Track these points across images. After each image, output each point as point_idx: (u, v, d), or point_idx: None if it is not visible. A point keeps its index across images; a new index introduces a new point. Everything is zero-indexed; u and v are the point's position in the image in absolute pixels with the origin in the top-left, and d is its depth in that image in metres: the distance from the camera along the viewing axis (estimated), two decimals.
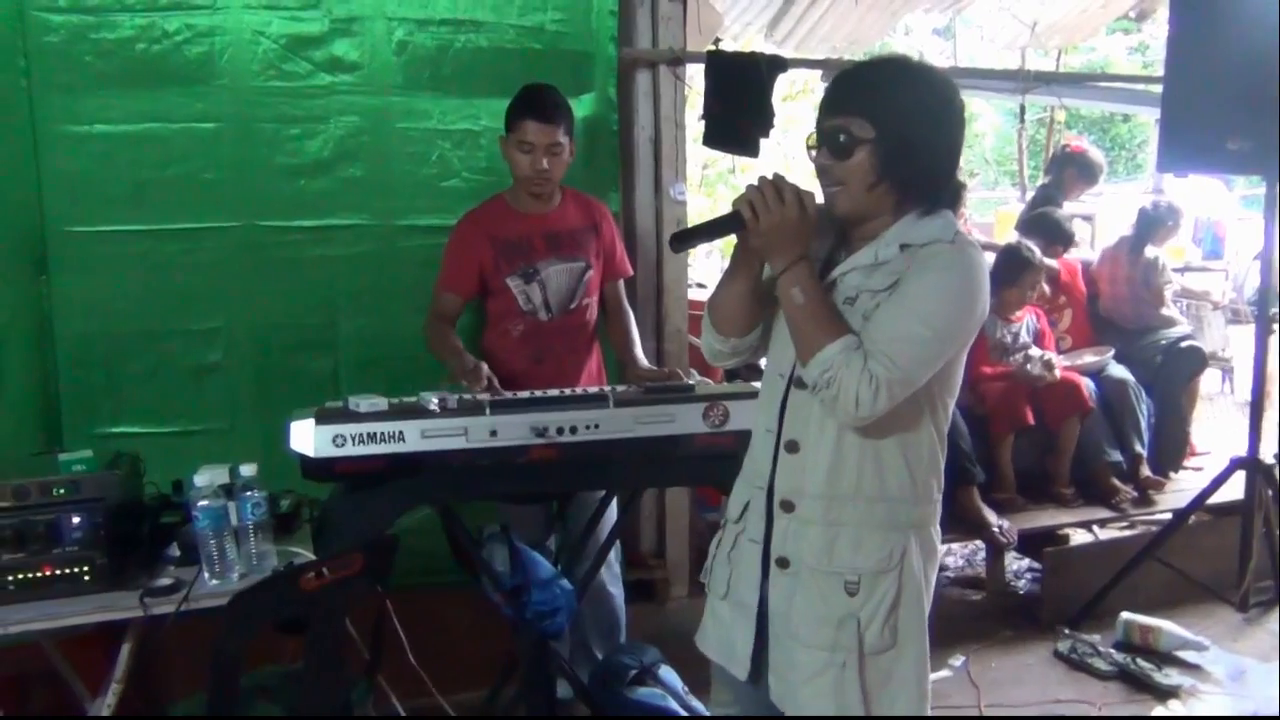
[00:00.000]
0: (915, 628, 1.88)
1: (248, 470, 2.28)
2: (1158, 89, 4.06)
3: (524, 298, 3.05)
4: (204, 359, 3.42)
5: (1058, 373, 4.38)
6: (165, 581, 2.20)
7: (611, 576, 3.24)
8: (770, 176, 1.77)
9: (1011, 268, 4.48)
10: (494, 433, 2.45)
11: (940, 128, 1.82)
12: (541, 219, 3.08)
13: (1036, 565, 4.40)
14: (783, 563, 1.89)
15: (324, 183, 3.46)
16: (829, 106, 1.82)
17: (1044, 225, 4.96)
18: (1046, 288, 4.72)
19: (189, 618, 2.15)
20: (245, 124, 3.37)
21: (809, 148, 1.86)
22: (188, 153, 3.33)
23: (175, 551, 2.34)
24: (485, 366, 2.76)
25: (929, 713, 1.91)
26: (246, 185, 3.39)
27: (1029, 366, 4.35)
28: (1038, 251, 4.52)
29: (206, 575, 2.22)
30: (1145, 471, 4.56)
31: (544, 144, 2.94)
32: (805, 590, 1.86)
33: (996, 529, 4.14)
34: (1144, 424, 4.62)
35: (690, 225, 1.98)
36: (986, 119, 19.50)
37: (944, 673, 3.55)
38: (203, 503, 2.20)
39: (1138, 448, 4.56)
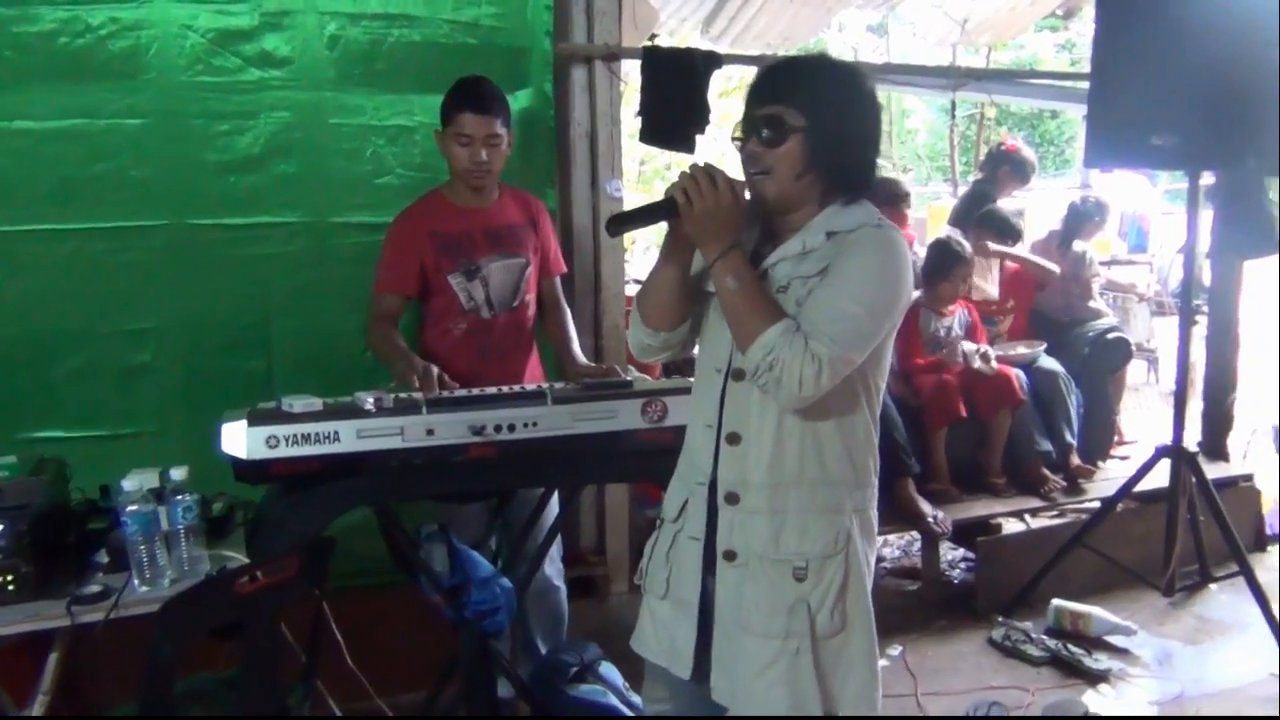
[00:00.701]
0: (862, 611, 1.91)
1: (178, 473, 2.24)
2: (1085, 86, 4.13)
3: (466, 295, 3.02)
4: (133, 360, 3.33)
5: (994, 364, 4.46)
6: (94, 589, 2.15)
7: (556, 572, 3.24)
8: (702, 164, 1.80)
9: (942, 261, 4.55)
10: (431, 432, 2.43)
11: (866, 120, 1.89)
12: (481, 214, 3.05)
13: (970, 555, 4.47)
14: (730, 555, 1.90)
15: (255, 179, 3.39)
16: (759, 96, 1.86)
17: (993, 221, 5.02)
18: (991, 288, 4.79)
19: (119, 625, 2.10)
20: (174, 120, 3.29)
21: (734, 138, 1.89)
22: (114, 149, 3.25)
23: (104, 558, 2.29)
24: (436, 368, 2.74)
25: (879, 693, 1.94)
26: (176, 182, 3.31)
27: (969, 360, 4.42)
28: (968, 245, 4.59)
29: (136, 582, 2.17)
30: (1075, 460, 4.65)
31: (482, 135, 2.91)
32: (754, 580, 1.88)
33: (931, 519, 4.20)
34: (1074, 414, 4.72)
35: (627, 210, 2.00)
36: (919, 115, 19.78)
37: (881, 662, 3.59)
38: (132, 507, 2.15)
39: (1068, 437, 4.66)
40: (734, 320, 1.82)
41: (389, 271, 3.02)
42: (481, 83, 2.97)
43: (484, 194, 3.05)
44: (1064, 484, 4.56)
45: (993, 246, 4.97)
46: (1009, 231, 5.03)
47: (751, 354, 1.78)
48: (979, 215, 5.15)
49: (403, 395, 2.54)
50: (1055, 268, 5.11)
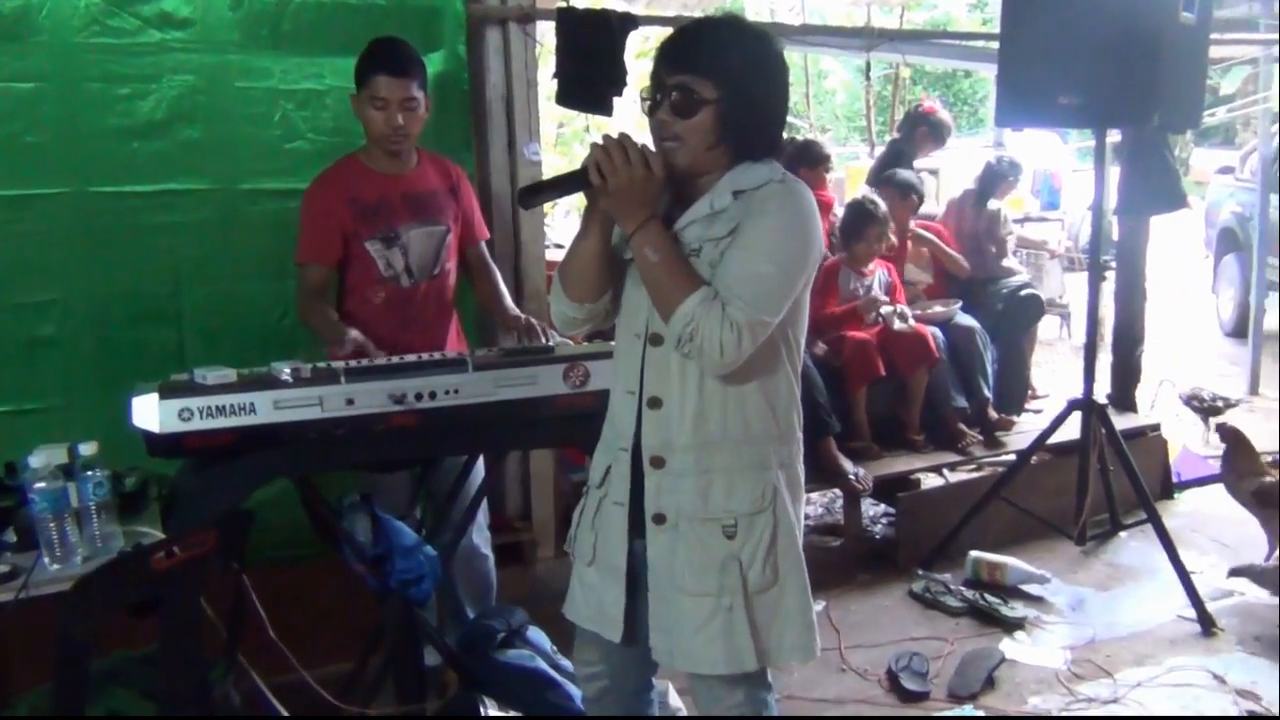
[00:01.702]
0: (794, 563, 1.94)
1: (87, 449, 2.19)
2: (994, 47, 4.19)
3: (384, 263, 2.98)
4: (37, 333, 3.23)
5: (912, 323, 4.54)
6: (1, 569, 2.10)
7: (483, 540, 3.23)
8: (616, 137, 1.78)
9: (857, 221, 4.61)
10: (350, 401, 2.40)
11: (776, 88, 1.90)
12: (400, 180, 3.00)
13: (891, 510, 4.57)
14: (659, 519, 1.92)
15: (159, 145, 3.30)
16: (669, 61, 1.85)
17: (895, 182, 5.06)
18: (925, 275, 4.86)
19: (30, 606, 2.05)
20: (69, 84, 3.18)
21: (644, 100, 1.88)
22: (7, 114, 3.13)
23: (11, 537, 2.23)
24: (355, 333, 2.70)
25: (818, 642, 1.98)
26: (75, 149, 3.20)
27: (888, 321, 4.49)
28: (881, 204, 4.65)
29: (46, 560, 2.12)
30: (992, 414, 4.75)
31: (398, 99, 2.86)
32: (685, 541, 1.90)
33: (853, 476, 4.26)
34: (989, 370, 4.82)
35: (539, 180, 1.99)
36: (836, 75, 19.90)
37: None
38: (39, 484, 2.10)
39: (984, 392, 4.76)
40: (654, 291, 1.83)
41: (308, 242, 2.97)
42: (397, 44, 2.92)
43: (402, 159, 3.00)
44: (980, 438, 4.67)
45: (916, 229, 5.06)
46: (911, 191, 5.07)
47: (672, 325, 1.79)
48: (882, 176, 5.22)
49: (320, 365, 2.51)
50: (966, 265, 5.22)
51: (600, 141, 1.80)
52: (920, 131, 5.53)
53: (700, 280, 1.80)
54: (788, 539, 1.93)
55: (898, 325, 4.51)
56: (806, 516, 4.73)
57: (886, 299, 4.62)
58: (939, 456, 4.59)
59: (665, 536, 1.92)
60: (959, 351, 4.77)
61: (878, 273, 4.70)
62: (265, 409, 2.34)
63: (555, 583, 2.13)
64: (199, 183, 3.37)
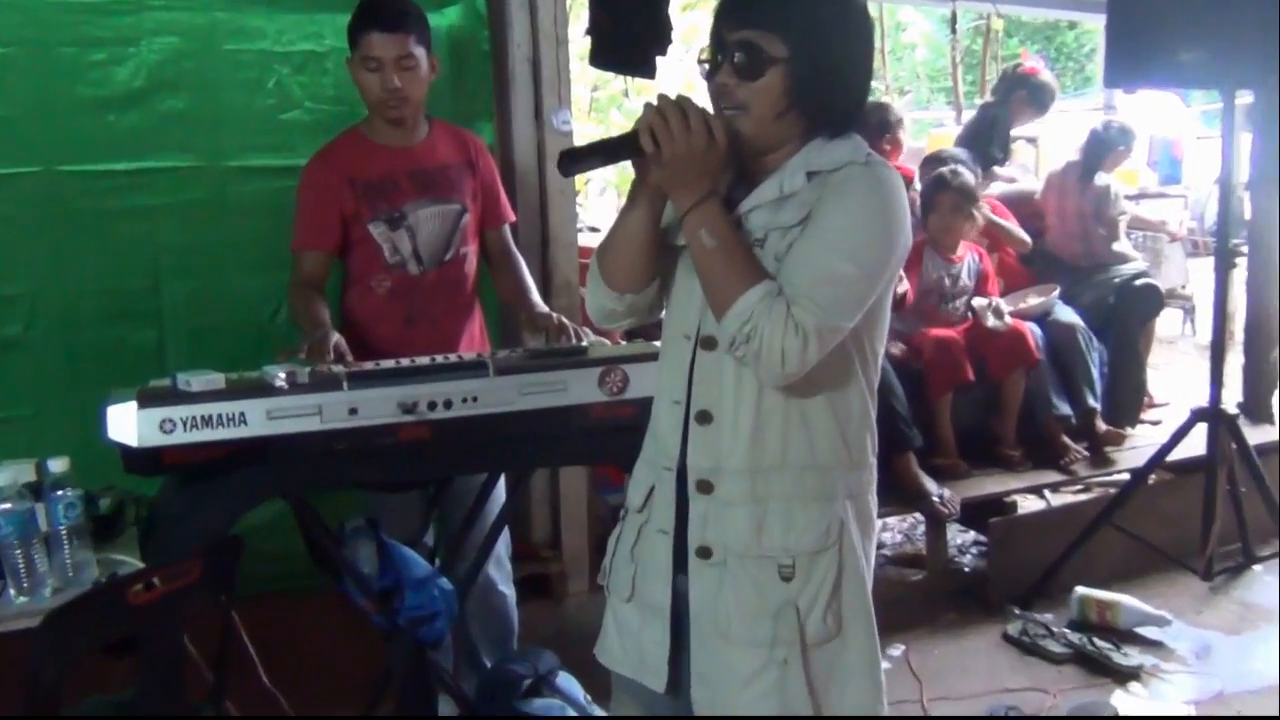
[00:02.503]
0: (860, 610, 1.92)
1: (58, 465, 2.22)
2: None
3: (390, 247, 3.01)
4: (0, 332, 3.31)
5: (1008, 320, 4.51)
6: None
7: (502, 574, 3.24)
8: (673, 98, 1.78)
9: (928, 193, 4.61)
10: (354, 411, 2.42)
11: (857, 47, 1.87)
12: (407, 153, 3.04)
13: (982, 538, 4.54)
14: (704, 552, 1.90)
15: (138, 118, 3.37)
16: (732, 16, 1.82)
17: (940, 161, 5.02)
18: (979, 217, 4.79)
19: None
20: (38, 49, 3.25)
21: (702, 61, 1.87)
22: None
23: None
24: (334, 337, 2.73)
25: (884, 703, 1.96)
26: (43, 123, 3.28)
27: (980, 317, 4.46)
28: (965, 173, 4.62)
29: (12, 592, 2.16)
30: (1100, 425, 4.71)
31: (392, 57, 2.89)
32: (734, 581, 1.88)
33: (936, 498, 4.24)
34: (1095, 373, 4.77)
35: (583, 144, 1.98)
36: (916, 28, 19.79)
37: (882, 665, 3.65)
38: (3, 506, 2.14)
39: (1090, 400, 4.72)
40: (708, 282, 1.80)
41: (304, 225, 3.01)
42: None
43: (408, 129, 3.03)
44: (1087, 454, 4.64)
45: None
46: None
47: (727, 323, 1.76)
48: (924, 159, 5.17)
49: (320, 369, 2.54)
50: (1026, 239, 5.16)
51: (655, 103, 1.78)
52: (1019, 96, 5.50)
53: (763, 273, 1.78)
54: (854, 583, 1.91)
55: (991, 322, 4.48)
56: (882, 545, 4.72)
57: (983, 299, 4.58)
58: (1038, 476, 4.56)
59: (711, 574, 1.90)
60: (1060, 352, 4.74)
61: (967, 258, 4.67)
62: (257, 419, 2.37)
63: (588, 621, 2.13)
64: (183, 160, 3.43)
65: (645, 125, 1.76)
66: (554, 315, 3.07)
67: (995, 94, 5.92)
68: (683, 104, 1.76)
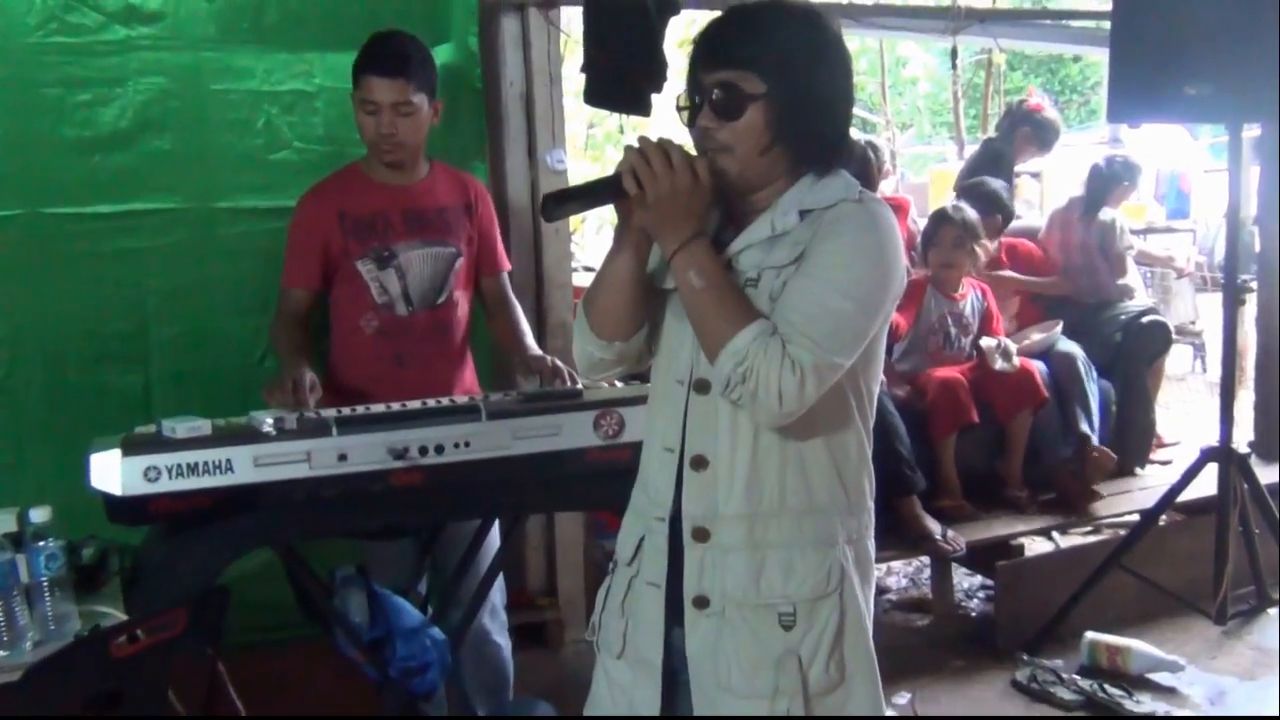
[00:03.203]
0: (863, 658, 1.92)
1: (40, 514, 2.22)
2: (1106, 26, 4.19)
3: (378, 286, 3.03)
4: None
5: (1016, 361, 4.51)
6: None
7: (497, 624, 3.23)
8: (656, 139, 1.79)
9: (929, 229, 4.64)
10: (343, 456, 2.43)
11: (834, 74, 1.88)
12: (401, 191, 3.06)
13: (989, 582, 4.52)
14: (701, 602, 1.89)
15: (124, 159, 3.38)
16: (707, 60, 1.85)
17: (981, 194, 5.05)
18: (981, 253, 4.81)
19: None
20: (23, 89, 3.26)
21: (680, 109, 1.89)
22: None
23: None
24: (307, 379, 2.74)
25: None
26: (27, 164, 3.28)
27: (988, 359, 4.47)
28: (968, 210, 4.65)
29: None
30: (1094, 454, 4.63)
31: (389, 102, 2.92)
32: (733, 631, 1.87)
33: (940, 537, 4.23)
34: (1094, 404, 4.74)
35: (567, 186, 1.98)
36: (918, 61, 19.91)
37: (887, 712, 3.63)
38: None
39: (1083, 426, 4.67)
40: (700, 324, 1.81)
41: (292, 262, 3.04)
42: (392, 40, 2.98)
43: (406, 170, 3.06)
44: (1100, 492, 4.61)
45: (998, 273, 5.05)
46: (998, 208, 5.03)
47: (721, 364, 1.77)
48: (963, 186, 5.20)
49: (309, 414, 2.54)
50: (1065, 284, 5.21)
51: (636, 144, 1.80)
52: (1023, 132, 5.54)
53: (756, 312, 1.79)
54: (856, 629, 1.91)
55: (1000, 365, 4.48)
56: (886, 589, 4.72)
57: (991, 340, 4.58)
58: (1046, 517, 4.55)
59: (709, 624, 1.89)
60: (1059, 382, 4.72)
61: (970, 295, 4.69)
62: (244, 467, 2.38)
63: (585, 671, 2.13)
64: (169, 201, 3.43)
65: (627, 167, 1.78)
66: (548, 358, 3.08)
67: (999, 129, 5.97)
68: (665, 144, 1.78)
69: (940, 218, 4.63)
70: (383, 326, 3.05)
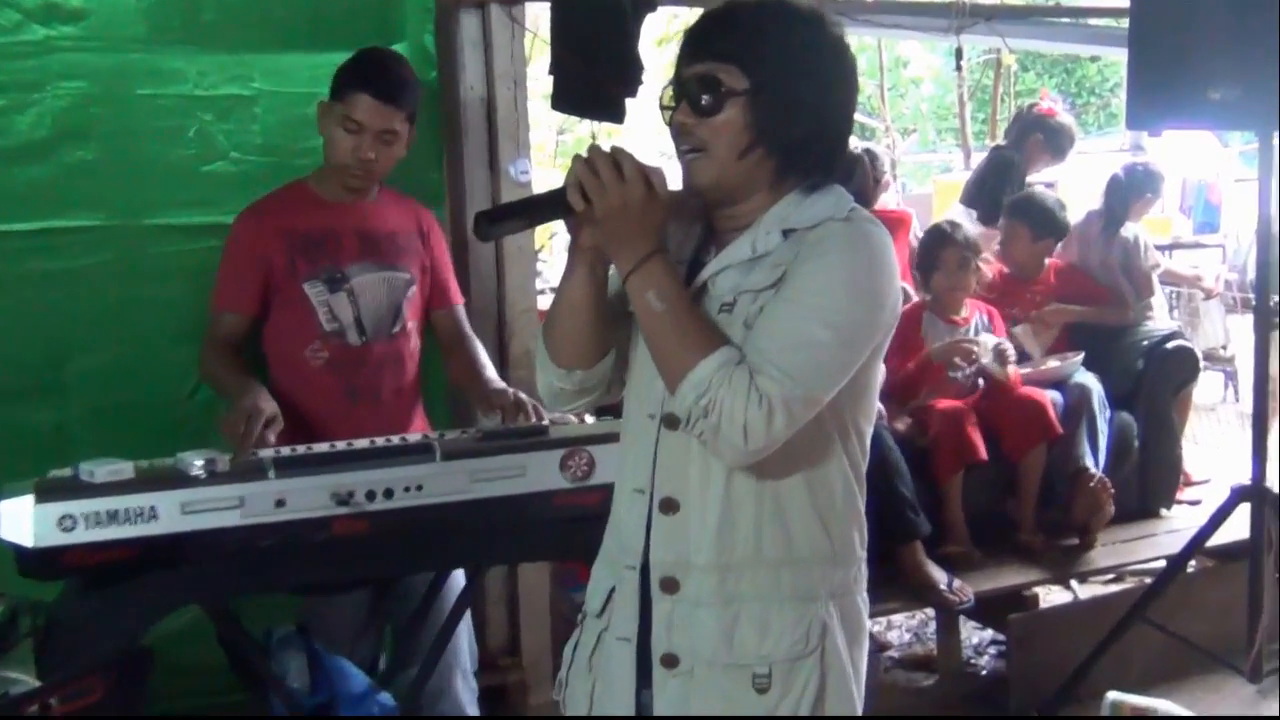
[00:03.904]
0: None
1: None
2: (1124, 25, 4.22)
3: (326, 311, 3.03)
4: None
5: (1011, 369, 4.51)
6: None
7: (470, 696, 3.20)
8: (606, 149, 1.78)
9: (930, 246, 4.65)
10: (281, 503, 2.42)
11: (829, 80, 1.88)
12: (353, 210, 3.08)
13: (1000, 637, 4.53)
14: (669, 661, 1.89)
15: (42, 171, 3.36)
16: (690, 52, 1.86)
17: (1032, 211, 5.04)
18: (986, 270, 4.82)
19: None
20: None
21: (663, 107, 1.90)
22: None
23: None
24: (268, 407, 2.71)
25: None
26: None
27: (980, 357, 4.47)
28: (965, 225, 4.66)
29: None
30: (1090, 483, 4.60)
31: (376, 129, 2.95)
32: (703, 693, 1.87)
33: (945, 587, 4.21)
34: (1101, 437, 4.71)
35: (503, 203, 1.97)
36: (921, 62, 20.12)
37: None
38: None
39: (1086, 460, 4.63)
40: (658, 351, 1.80)
41: (226, 283, 3.05)
42: (391, 61, 3.04)
43: (360, 191, 3.08)
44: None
45: (1051, 308, 5.05)
46: (1051, 228, 5.04)
47: (682, 395, 1.75)
48: (1015, 200, 5.16)
49: (251, 455, 2.53)
50: (1125, 308, 5.22)
51: (585, 154, 1.79)
52: (1034, 140, 5.56)
53: (721, 338, 1.77)
54: (840, 695, 1.89)
55: (986, 360, 4.45)
56: (889, 645, 4.72)
57: (989, 338, 4.60)
58: (1062, 565, 4.56)
59: (677, 685, 1.88)
60: (1070, 415, 4.68)
61: (975, 318, 4.70)
62: (170, 514, 2.36)
63: None
64: (92, 218, 3.41)
65: (574, 180, 1.77)
66: (510, 391, 3.07)
67: (1009, 136, 5.98)
68: (616, 154, 1.77)
69: (939, 238, 4.63)
70: (333, 357, 3.04)
